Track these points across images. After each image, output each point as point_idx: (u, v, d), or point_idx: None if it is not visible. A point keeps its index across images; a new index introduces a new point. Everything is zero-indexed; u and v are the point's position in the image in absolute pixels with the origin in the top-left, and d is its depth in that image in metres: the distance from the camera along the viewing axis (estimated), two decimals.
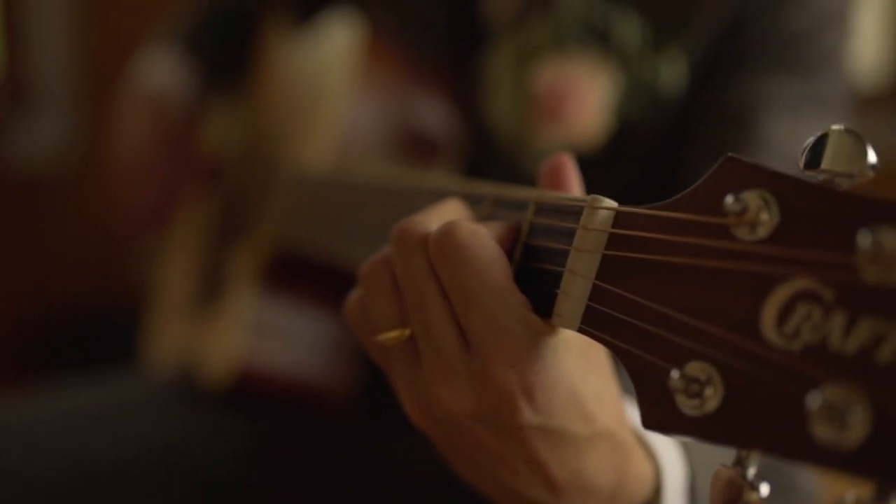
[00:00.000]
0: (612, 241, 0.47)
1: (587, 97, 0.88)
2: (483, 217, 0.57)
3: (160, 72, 1.28)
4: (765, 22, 0.88)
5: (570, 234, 0.49)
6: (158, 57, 1.31)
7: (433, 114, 0.99)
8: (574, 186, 0.56)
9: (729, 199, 0.42)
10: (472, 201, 0.58)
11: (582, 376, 0.51)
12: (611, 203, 0.48)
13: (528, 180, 0.61)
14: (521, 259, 0.53)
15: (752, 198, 0.41)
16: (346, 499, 1.03)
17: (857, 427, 0.36)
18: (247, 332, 1.00)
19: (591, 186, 0.58)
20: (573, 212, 0.50)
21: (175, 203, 1.24)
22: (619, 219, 0.48)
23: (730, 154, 0.44)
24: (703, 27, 0.88)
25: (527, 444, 0.51)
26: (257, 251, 1.04)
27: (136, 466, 0.99)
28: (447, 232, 0.49)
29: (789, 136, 0.86)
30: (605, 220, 0.48)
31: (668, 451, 0.58)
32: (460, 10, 1.00)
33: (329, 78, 1.00)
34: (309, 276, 1.01)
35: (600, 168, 0.89)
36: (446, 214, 0.54)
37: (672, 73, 0.88)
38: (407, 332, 0.52)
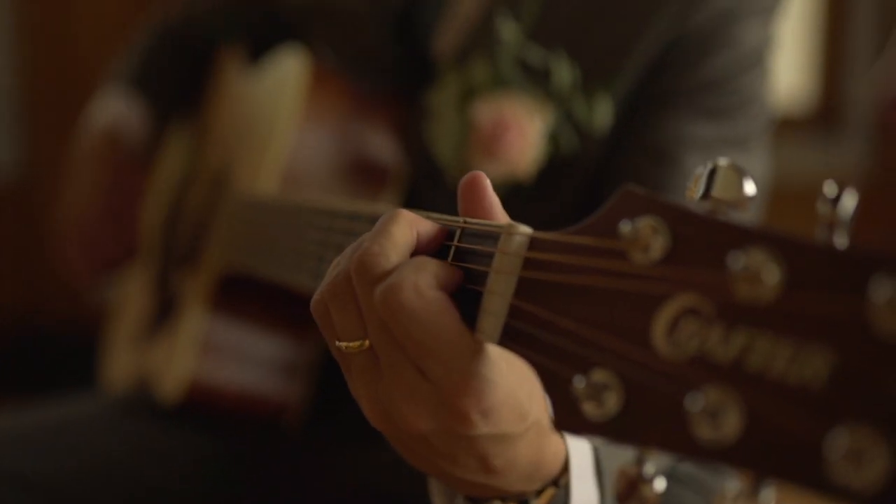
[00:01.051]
0: (527, 263, 0.53)
1: (524, 133, 0.94)
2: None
3: (111, 112, 1.32)
4: (685, 68, 0.94)
5: (490, 256, 0.54)
6: (108, 99, 1.35)
7: (378, 144, 1.04)
8: (489, 198, 0.60)
9: (624, 225, 0.47)
10: None
11: (519, 382, 0.57)
12: (525, 229, 0.54)
13: None
14: None
15: (644, 224, 0.47)
16: None
17: (731, 426, 0.42)
18: (196, 351, 1.05)
19: (528, 215, 0.63)
20: (492, 236, 0.55)
21: (124, 248, 1.28)
22: (533, 243, 0.53)
23: (628, 185, 0.50)
24: (629, 75, 0.94)
25: (474, 446, 0.57)
26: (207, 273, 1.08)
27: (81, 483, 1.01)
28: (391, 295, 0.53)
29: None
30: (520, 244, 0.53)
31: None
32: (408, 46, 1.05)
33: (277, 108, 1.05)
34: (257, 296, 1.06)
35: (535, 198, 0.95)
36: (400, 242, 0.57)
37: (600, 112, 0.94)
38: (367, 343, 0.57)
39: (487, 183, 0.60)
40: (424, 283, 0.53)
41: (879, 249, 0.40)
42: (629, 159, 0.96)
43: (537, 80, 0.95)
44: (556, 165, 0.96)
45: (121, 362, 1.34)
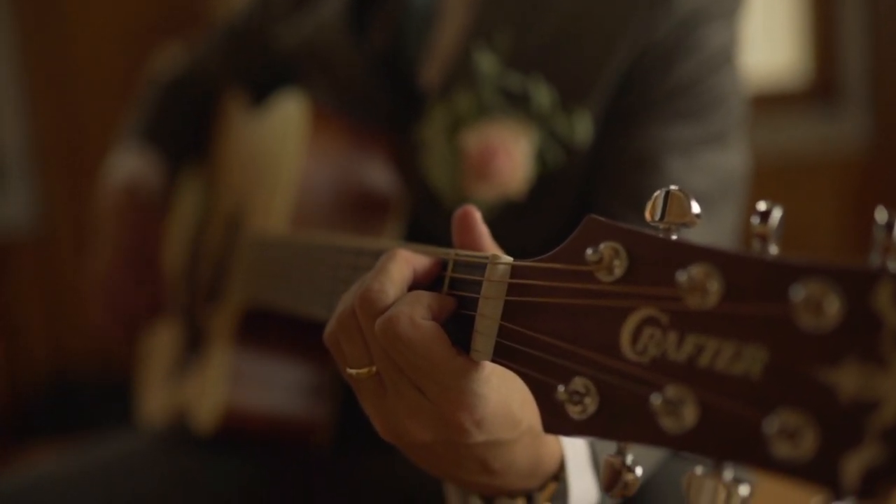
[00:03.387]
0: (511, 289, 0.60)
1: (512, 154, 1.01)
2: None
3: (127, 165, 1.40)
4: (656, 76, 1.00)
5: (479, 284, 0.62)
6: (123, 155, 1.42)
7: (378, 177, 1.11)
8: (478, 229, 0.68)
9: (589, 251, 0.55)
10: None
11: (509, 393, 0.65)
12: (507, 259, 0.62)
13: None
14: None
15: (606, 249, 0.54)
16: None
17: (689, 416, 0.49)
18: (227, 381, 1.12)
19: (521, 230, 0.71)
20: (480, 266, 0.63)
21: (148, 304, 1.35)
22: (515, 270, 0.61)
23: (591, 215, 0.57)
24: (603, 87, 1.00)
25: (473, 452, 0.66)
26: (230, 309, 1.15)
27: None
28: (389, 327, 0.61)
29: (686, 173, 0.98)
30: (503, 272, 0.61)
31: None
32: (397, 81, 1.13)
33: (281, 151, 1.12)
34: (279, 327, 1.13)
35: (528, 213, 1.02)
36: (397, 279, 0.64)
37: (580, 128, 1.01)
38: (374, 368, 0.66)
39: (478, 215, 0.68)
40: (418, 315, 0.62)
41: (802, 258, 0.47)
42: (613, 169, 1.02)
43: (519, 105, 1.02)
44: (545, 181, 1.03)
45: (156, 398, 1.42)
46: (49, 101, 3.13)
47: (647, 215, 0.56)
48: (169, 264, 1.39)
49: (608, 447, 0.76)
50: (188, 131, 1.44)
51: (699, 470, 0.51)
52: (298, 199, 1.08)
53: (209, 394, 1.14)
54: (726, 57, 1.03)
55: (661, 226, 0.55)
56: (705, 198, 0.97)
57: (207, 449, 1.15)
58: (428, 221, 1.08)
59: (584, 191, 1.04)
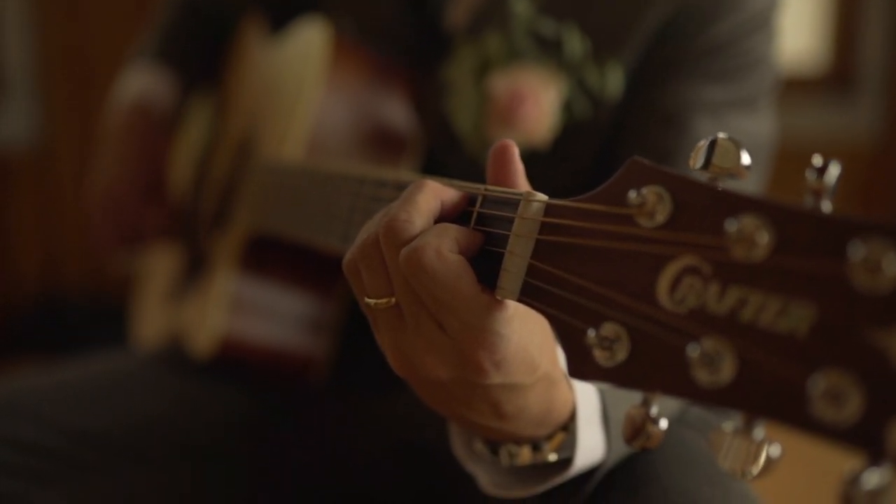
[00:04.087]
0: (544, 227, 0.58)
1: (540, 102, 0.99)
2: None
3: (138, 82, 1.37)
4: (692, 33, 0.98)
5: (511, 221, 0.60)
6: (135, 73, 1.39)
7: (396, 114, 1.09)
8: (515, 165, 0.65)
9: (631, 193, 0.53)
10: None
11: (530, 336, 0.63)
12: (542, 196, 0.59)
13: None
14: None
15: (649, 193, 0.52)
16: (325, 462, 1.13)
17: (726, 371, 0.47)
18: (227, 308, 1.10)
19: (542, 180, 0.68)
20: (512, 203, 0.60)
21: (152, 220, 1.32)
22: (549, 209, 0.59)
23: (635, 157, 0.55)
24: (638, 42, 0.98)
25: (488, 394, 0.64)
26: (235, 235, 1.13)
27: (129, 433, 1.07)
28: (414, 257, 0.59)
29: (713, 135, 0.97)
30: (537, 210, 0.59)
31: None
32: (423, 19, 1.10)
33: (301, 77, 1.10)
34: (284, 257, 1.11)
35: (550, 164, 1.00)
36: (424, 210, 0.62)
37: (611, 81, 0.99)
38: (393, 300, 0.63)
39: (516, 151, 0.65)
40: (445, 248, 0.59)
41: (859, 215, 0.45)
42: (640, 125, 1.00)
43: (550, 52, 0.99)
44: (570, 132, 1.01)
45: (151, 320, 1.40)
46: (57, 15, 3.07)
47: (691, 163, 0.54)
48: (174, 186, 1.37)
49: (619, 402, 0.74)
50: (203, 53, 1.41)
51: (728, 426, 0.49)
52: (315, 128, 1.05)
53: (207, 320, 1.12)
54: (765, 20, 1.01)
55: (706, 175, 0.53)
56: None
57: (202, 375, 1.14)
58: (445, 164, 1.06)
59: (608, 145, 1.02)
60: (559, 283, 0.56)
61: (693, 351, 0.48)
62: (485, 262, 0.61)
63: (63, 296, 3.05)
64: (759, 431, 0.48)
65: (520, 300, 0.59)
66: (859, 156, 2.91)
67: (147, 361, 1.19)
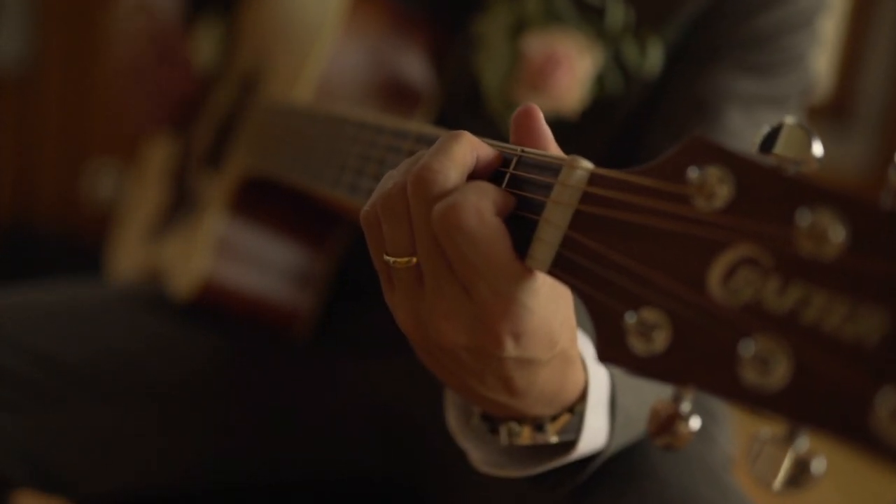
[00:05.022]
0: (586, 197, 0.54)
1: (574, 69, 0.94)
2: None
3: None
4: (737, 20, 0.94)
5: (549, 187, 0.55)
6: None
7: (414, 66, 1.04)
8: (542, 129, 0.60)
9: (692, 171, 0.48)
10: None
11: (554, 311, 0.59)
12: (588, 164, 0.55)
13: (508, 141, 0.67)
14: None
15: (712, 172, 0.48)
16: (300, 423, 1.08)
17: (779, 374, 0.43)
18: (213, 250, 1.05)
19: (564, 151, 0.64)
20: (553, 168, 0.56)
21: (180, 87, 1.28)
22: (593, 178, 0.54)
23: (696, 133, 0.50)
24: (681, 21, 0.94)
25: (502, 366, 0.59)
26: (230, 175, 1.08)
27: (100, 367, 1.03)
28: (452, 215, 0.53)
29: (744, 129, 0.93)
30: (581, 178, 0.54)
31: (597, 364, 0.67)
32: None
33: (318, 18, 1.04)
34: (279, 204, 1.06)
35: (573, 135, 0.96)
36: (460, 163, 0.57)
37: (649, 58, 0.95)
38: (415, 260, 0.58)
39: (541, 116, 0.61)
40: (486, 209, 0.54)
41: None
42: (670, 108, 0.96)
43: (591, 18, 0.95)
44: (599, 105, 0.97)
45: (130, 254, 1.34)
46: None
47: (755, 148, 0.50)
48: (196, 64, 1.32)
49: (628, 390, 0.70)
50: None
51: (765, 434, 0.46)
52: (327, 71, 1.00)
53: (191, 261, 1.07)
54: (809, 19, 0.98)
55: (770, 161, 0.48)
56: None
57: (178, 316, 1.09)
58: (461, 122, 1.01)
59: (633, 124, 0.98)
60: (597, 258, 0.52)
61: (746, 349, 0.44)
62: (515, 229, 0.56)
63: (36, 228, 2.98)
64: (804, 443, 0.44)
65: (550, 272, 0.54)
66: (851, 188, 2.89)
67: (122, 296, 1.14)
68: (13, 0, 2.98)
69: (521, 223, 0.56)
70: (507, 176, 0.59)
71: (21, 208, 3.03)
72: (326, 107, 0.96)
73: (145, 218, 1.35)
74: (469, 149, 0.57)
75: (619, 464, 0.73)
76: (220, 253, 1.05)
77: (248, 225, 1.07)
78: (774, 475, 0.45)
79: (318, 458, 1.07)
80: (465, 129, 0.89)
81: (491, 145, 0.60)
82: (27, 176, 3.03)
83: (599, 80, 0.95)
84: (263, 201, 1.07)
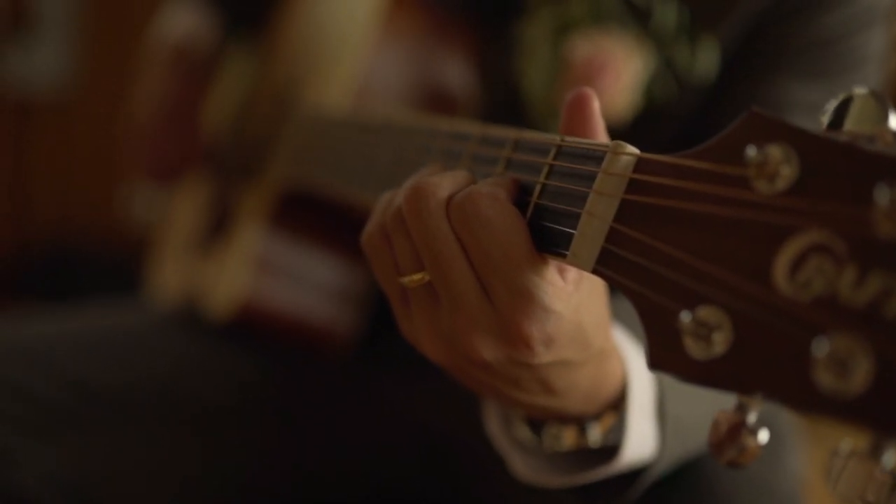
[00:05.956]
0: (632, 186, 0.48)
1: (621, 74, 0.88)
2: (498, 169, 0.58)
3: (182, 22, 1.30)
4: (797, 24, 0.87)
5: (591, 177, 0.50)
6: (179, 11, 1.33)
7: (452, 71, 1.00)
8: (595, 117, 0.56)
9: (751, 150, 0.43)
10: (495, 143, 0.59)
11: (587, 312, 0.55)
12: (633, 149, 0.49)
13: None
14: (539, 198, 0.53)
15: (773, 150, 0.42)
16: (341, 444, 1.04)
17: (859, 377, 0.37)
18: (251, 269, 1.02)
19: None
20: (595, 156, 0.51)
21: (189, 157, 1.27)
22: (639, 165, 0.49)
23: (754, 108, 0.45)
24: (739, 21, 0.88)
25: (537, 372, 0.56)
26: (267, 189, 1.04)
27: (137, 392, 1.00)
28: (470, 200, 0.52)
29: None
30: (626, 165, 0.49)
31: (636, 359, 0.63)
32: None
33: (353, 24, 1.01)
34: (317, 218, 1.02)
35: None
36: (458, 177, 0.55)
37: (703, 61, 0.88)
38: (426, 276, 0.55)
39: (596, 102, 0.56)
40: (501, 195, 0.52)
41: None
42: (727, 117, 0.89)
43: (639, 19, 0.89)
44: (648, 114, 0.91)
45: (169, 273, 1.31)
46: None
47: (823, 124, 0.44)
48: (208, 129, 1.29)
49: (679, 398, 0.65)
50: None
51: (844, 448, 0.40)
52: (365, 76, 0.97)
53: (229, 280, 1.03)
54: (877, 15, 0.90)
55: (840, 136, 0.42)
56: None
57: (217, 338, 1.05)
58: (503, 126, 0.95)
59: (687, 133, 0.91)
60: (647, 252, 0.46)
61: (819, 348, 0.38)
62: (554, 224, 0.51)
63: (76, 247, 2.99)
64: (891, 456, 0.38)
65: (594, 270, 0.49)
66: None
67: (160, 320, 1.11)
68: (52, 23, 3.00)
69: (560, 217, 0.51)
70: (546, 168, 0.54)
71: (60, 230, 3.05)
72: (361, 113, 0.92)
73: (184, 234, 1.32)
74: (464, 174, 0.56)
75: (678, 488, 0.68)
76: (258, 270, 1.02)
77: (287, 240, 1.03)
78: (860, 493, 0.39)
79: (361, 479, 1.02)
80: None
81: (529, 137, 0.56)
82: (65, 198, 3.04)
83: (649, 86, 0.89)
84: (302, 215, 1.03)
